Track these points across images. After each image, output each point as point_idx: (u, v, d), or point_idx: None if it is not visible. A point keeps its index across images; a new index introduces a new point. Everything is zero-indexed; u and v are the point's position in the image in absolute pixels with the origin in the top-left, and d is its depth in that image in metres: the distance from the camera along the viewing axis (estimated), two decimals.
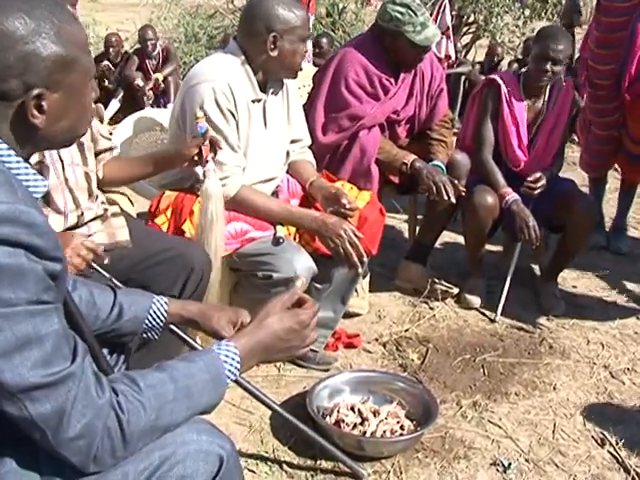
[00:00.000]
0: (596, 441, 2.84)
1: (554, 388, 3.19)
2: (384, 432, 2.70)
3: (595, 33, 4.43)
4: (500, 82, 3.93)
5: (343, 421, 2.73)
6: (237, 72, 2.84)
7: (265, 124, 2.97)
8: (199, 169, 2.63)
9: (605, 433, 2.88)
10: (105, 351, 1.78)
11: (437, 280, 4.11)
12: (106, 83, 8.39)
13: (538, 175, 3.80)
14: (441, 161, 3.73)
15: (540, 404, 3.06)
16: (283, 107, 3.09)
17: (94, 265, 2.24)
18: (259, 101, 2.93)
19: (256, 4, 2.88)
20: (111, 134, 3.02)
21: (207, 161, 2.59)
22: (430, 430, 2.77)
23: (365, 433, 2.69)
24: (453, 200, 3.54)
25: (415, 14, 3.46)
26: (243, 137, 2.87)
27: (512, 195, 3.75)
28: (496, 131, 3.94)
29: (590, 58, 4.48)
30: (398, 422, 2.76)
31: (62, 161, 2.44)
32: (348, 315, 3.60)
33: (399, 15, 3.46)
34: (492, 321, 3.77)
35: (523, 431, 2.88)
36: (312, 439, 2.49)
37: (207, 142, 2.58)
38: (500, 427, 2.89)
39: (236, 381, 1.85)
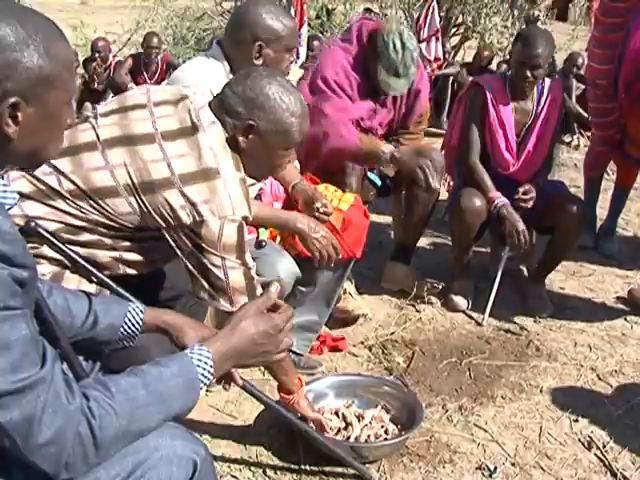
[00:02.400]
0: (583, 444, 2.82)
1: (541, 391, 3.17)
2: (368, 437, 2.68)
3: (594, 32, 4.48)
4: (485, 85, 3.90)
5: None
6: (219, 77, 2.77)
7: None
8: None
9: (592, 436, 2.86)
10: (80, 358, 1.75)
11: (423, 280, 4.05)
12: (96, 85, 8.36)
13: (527, 187, 3.78)
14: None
15: (526, 407, 3.04)
16: None
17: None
18: None
19: (244, 12, 2.85)
20: None
21: None
22: (415, 434, 2.75)
23: (349, 438, 2.67)
24: (437, 185, 3.69)
25: (401, 59, 3.48)
26: None
27: (501, 199, 3.74)
28: (483, 134, 3.91)
29: (589, 57, 4.53)
30: (382, 426, 2.73)
31: None
32: (352, 320, 3.61)
33: (391, 47, 3.48)
34: (479, 324, 3.75)
35: (509, 435, 2.86)
36: (314, 437, 2.47)
37: None
38: (486, 431, 2.87)
39: (245, 388, 1.83)
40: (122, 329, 1.82)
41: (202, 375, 1.50)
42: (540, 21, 10.82)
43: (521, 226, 3.69)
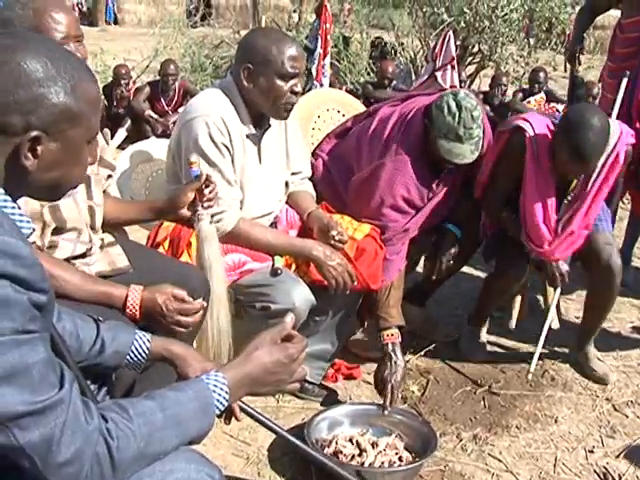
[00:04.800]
0: (598, 475, 2.81)
1: (556, 421, 3.16)
2: (382, 463, 2.69)
3: (609, 64, 4.49)
4: (529, 135, 3.27)
5: (341, 452, 2.73)
6: (230, 106, 2.81)
7: (260, 159, 2.93)
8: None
9: (607, 467, 2.85)
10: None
11: (437, 324, 3.96)
12: (120, 110, 8.45)
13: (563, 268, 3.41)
14: (457, 224, 3.56)
15: (541, 437, 3.03)
16: (280, 142, 3.05)
17: None
18: (254, 136, 2.89)
19: (246, 34, 2.90)
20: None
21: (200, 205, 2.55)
22: (429, 463, 2.75)
23: (363, 464, 2.68)
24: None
25: (458, 121, 3.11)
26: (238, 171, 2.84)
27: None
28: (515, 194, 3.42)
29: (603, 87, 4.53)
30: (397, 454, 2.75)
31: None
32: (368, 359, 3.52)
33: (445, 109, 3.13)
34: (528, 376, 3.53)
35: (524, 465, 2.84)
36: (328, 467, 2.44)
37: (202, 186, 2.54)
38: (500, 461, 2.86)
39: (242, 409, 1.85)
40: (129, 357, 1.86)
41: (217, 401, 1.54)
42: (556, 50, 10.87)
43: (565, 268, 3.40)
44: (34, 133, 1.33)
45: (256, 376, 1.62)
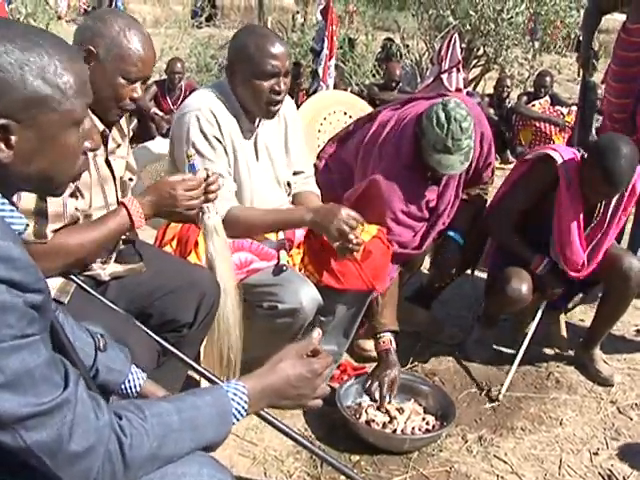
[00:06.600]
0: (603, 477, 2.82)
1: (560, 423, 3.16)
2: (413, 428, 2.91)
3: (612, 66, 4.48)
4: (560, 164, 3.36)
5: (373, 421, 2.93)
6: (221, 102, 2.80)
7: (257, 157, 2.92)
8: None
9: (612, 470, 2.85)
10: None
11: (442, 325, 3.96)
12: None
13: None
14: (459, 231, 3.58)
15: (546, 439, 3.04)
16: (279, 139, 3.03)
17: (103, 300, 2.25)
18: (248, 132, 2.88)
19: (235, 32, 2.91)
20: None
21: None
22: (435, 464, 2.77)
23: (395, 431, 2.90)
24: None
25: (447, 133, 3.13)
26: (232, 165, 2.84)
27: (547, 259, 3.46)
28: (547, 222, 3.46)
29: (607, 91, 4.52)
30: (424, 419, 2.97)
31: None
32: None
33: (434, 120, 3.16)
34: (492, 400, 3.36)
35: (529, 466, 2.85)
36: (336, 467, 2.44)
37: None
38: (506, 462, 2.87)
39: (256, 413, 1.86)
40: (119, 390, 1.86)
41: (236, 410, 1.52)
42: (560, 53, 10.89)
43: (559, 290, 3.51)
44: (2, 121, 1.26)
45: (277, 388, 1.60)
